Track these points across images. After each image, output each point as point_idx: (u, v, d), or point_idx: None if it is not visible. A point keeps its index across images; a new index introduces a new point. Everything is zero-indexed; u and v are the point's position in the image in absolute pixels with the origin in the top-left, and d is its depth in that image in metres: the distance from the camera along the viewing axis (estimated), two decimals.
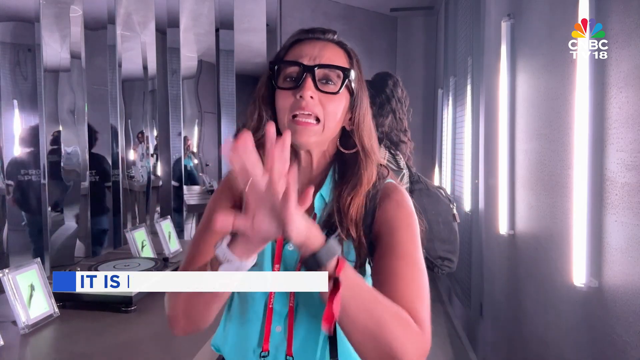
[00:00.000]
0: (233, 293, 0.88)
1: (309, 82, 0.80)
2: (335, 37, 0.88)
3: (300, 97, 0.79)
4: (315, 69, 0.81)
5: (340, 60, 0.85)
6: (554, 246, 1.70)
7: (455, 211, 1.73)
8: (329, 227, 0.82)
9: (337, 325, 0.75)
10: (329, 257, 0.64)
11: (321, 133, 0.81)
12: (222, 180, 0.94)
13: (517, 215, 2.20)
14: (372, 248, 0.82)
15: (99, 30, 3.05)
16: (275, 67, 0.84)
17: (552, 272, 1.71)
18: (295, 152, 0.86)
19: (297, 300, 0.83)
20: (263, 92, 0.86)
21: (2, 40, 2.43)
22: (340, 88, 0.82)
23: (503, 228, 2.31)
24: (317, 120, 0.81)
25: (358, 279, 0.69)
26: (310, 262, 0.64)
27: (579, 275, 1.42)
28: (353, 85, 0.84)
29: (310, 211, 0.84)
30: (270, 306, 0.83)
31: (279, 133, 0.82)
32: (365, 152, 0.85)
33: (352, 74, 0.84)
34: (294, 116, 0.80)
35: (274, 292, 0.83)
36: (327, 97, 0.81)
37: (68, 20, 2.83)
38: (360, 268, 0.82)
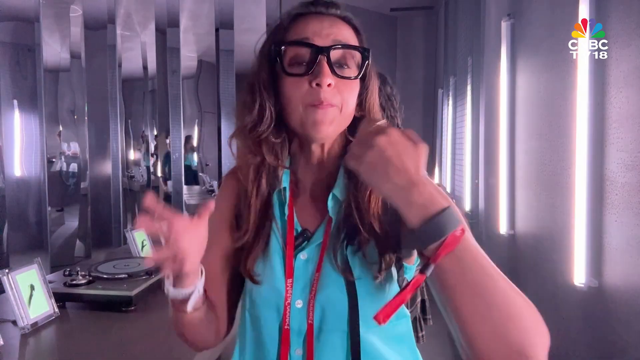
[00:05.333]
0: (245, 315, 0.79)
1: (325, 66, 0.68)
2: (340, 11, 0.75)
3: (317, 85, 0.68)
4: (331, 50, 0.69)
5: (352, 38, 0.74)
6: (554, 246, 1.70)
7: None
8: (349, 229, 0.73)
9: (361, 341, 0.69)
10: (455, 225, 0.55)
11: (339, 117, 0.71)
12: (221, 185, 0.85)
13: (517, 215, 2.20)
14: (399, 248, 0.72)
15: (99, 30, 3.05)
16: (282, 48, 0.71)
17: (552, 272, 1.71)
18: (303, 149, 0.78)
19: (317, 316, 0.72)
20: (264, 78, 0.74)
21: (2, 40, 2.43)
22: (360, 72, 0.72)
23: (503, 228, 2.31)
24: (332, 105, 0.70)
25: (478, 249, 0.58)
26: (428, 227, 0.55)
27: (579, 275, 1.42)
28: (367, 67, 0.74)
29: (324, 214, 0.76)
30: (286, 327, 0.73)
31: (286, 124, 0.75)
32: None
33: (370, 54, 0.73)
34: (310, 105, 0.69)
35: (289, 311, 0.73)
36: (344, 83, 0.70)
37: (68, 20, 2.83)
38: (386, 270, 0.71)
